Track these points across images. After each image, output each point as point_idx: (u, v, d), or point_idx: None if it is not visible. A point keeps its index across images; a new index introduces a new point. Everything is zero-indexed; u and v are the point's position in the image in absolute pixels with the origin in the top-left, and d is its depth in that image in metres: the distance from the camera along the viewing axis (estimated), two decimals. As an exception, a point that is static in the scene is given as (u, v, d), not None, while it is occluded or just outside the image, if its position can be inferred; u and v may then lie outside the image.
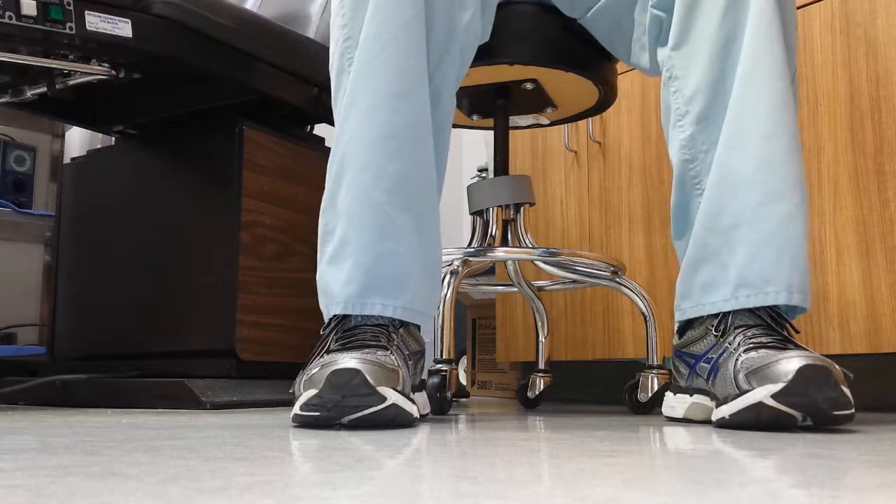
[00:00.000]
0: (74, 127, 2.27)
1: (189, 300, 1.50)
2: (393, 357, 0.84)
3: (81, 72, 1.34)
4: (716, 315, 0.90)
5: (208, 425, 0.87)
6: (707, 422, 0.90)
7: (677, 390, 0.97)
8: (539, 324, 1.47)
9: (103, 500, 0.37)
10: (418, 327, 0.96)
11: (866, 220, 1.29)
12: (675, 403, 0.97)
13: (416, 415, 0.82)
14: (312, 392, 0.78)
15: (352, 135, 0.92)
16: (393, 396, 0.77)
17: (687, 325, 0.96)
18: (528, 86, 1.25)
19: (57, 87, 1.38)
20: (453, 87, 0.99)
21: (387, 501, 0.37)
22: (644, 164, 1.61)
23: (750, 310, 0.87)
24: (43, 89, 1.39)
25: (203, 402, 1.27)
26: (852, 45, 1.34)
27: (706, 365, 0.89)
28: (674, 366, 0.99)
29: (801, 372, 0.74)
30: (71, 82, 1.37)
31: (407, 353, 0.91)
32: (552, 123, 1.42)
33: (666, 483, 0.44)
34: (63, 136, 2.50)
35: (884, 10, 1.31)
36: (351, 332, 0.89)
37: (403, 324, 0.92)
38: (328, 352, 0.87)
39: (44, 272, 2.42)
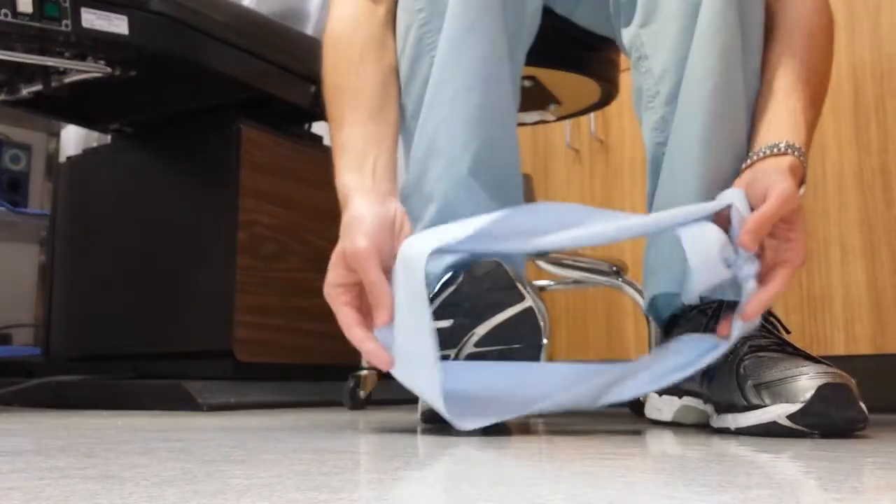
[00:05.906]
0: (70, 125, 2.26)
1: (186, 300, 1.49)
2: None
3: (77, 69, 1.34)
4: (703, 312, 0.84)
5: (205, 427, 0.87)
6: (697, 425, 0.86)
7: (662, 391, 0.91)
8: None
9: (99, 502, 0.37)
10: None
11: (871, 219, 1.28)
12: (661, 405, 0.91)
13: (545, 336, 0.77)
14: (450, 289, 0.72)
15: (443, 116, 0.86)
16: (529, 298, 0.73)
17: (673, 322, 0.90)
18: (527, 83, 1.25)
19: (53, 84, 1.37)
20: (520, 77, 0.95)
21: (389, 506, 0.36)
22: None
23: None
24: (38, 87, 1.38)
25: (200, 404, 1.26)
26: (856, 42, 1.33)
27: None
28: None
29: (821, 391, 0.69)
30: (67, 80, 1.36)
31: None
32: (558, 119, 1.42)
33: (668, 485, 0.44)
34: (58, 134, 2.49)
35: (888, 5, 1.30)
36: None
37: None
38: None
39: (39, 272, 2.42)
